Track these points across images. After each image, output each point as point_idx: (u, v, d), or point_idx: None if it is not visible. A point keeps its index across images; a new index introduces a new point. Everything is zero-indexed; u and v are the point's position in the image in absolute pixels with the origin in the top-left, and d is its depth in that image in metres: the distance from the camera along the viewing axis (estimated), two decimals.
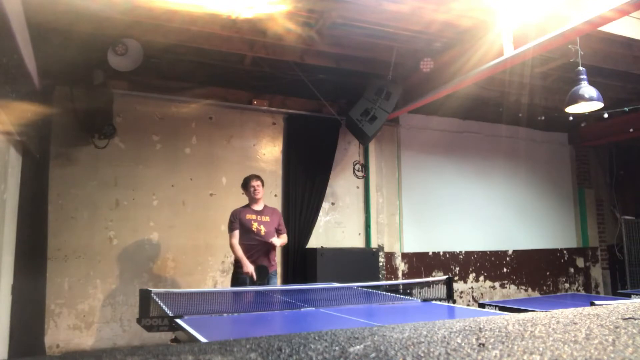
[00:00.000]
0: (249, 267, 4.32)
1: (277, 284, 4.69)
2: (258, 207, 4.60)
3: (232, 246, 4.46)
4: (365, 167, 6.39)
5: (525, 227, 7.63)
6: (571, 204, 8.13)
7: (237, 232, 4.46)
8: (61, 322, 4.89)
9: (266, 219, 4.54)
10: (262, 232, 4.45)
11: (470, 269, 7.10)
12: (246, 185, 4.63)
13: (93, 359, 0.41)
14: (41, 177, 4.70)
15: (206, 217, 5.55)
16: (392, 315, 2.99)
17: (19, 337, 3.90)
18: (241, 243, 4.47)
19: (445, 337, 0.46)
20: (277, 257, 5.46)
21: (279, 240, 4.56)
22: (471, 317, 0.58)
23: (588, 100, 4.20)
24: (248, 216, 4.50)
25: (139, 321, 2.65)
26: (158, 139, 5.50)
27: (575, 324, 0.53)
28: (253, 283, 4.30)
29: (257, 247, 4.45)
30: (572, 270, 7.94)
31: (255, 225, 4.45)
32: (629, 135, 7.12)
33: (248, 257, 4.39)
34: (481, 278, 7.16)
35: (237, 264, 4.47)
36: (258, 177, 4.67)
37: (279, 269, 5.77)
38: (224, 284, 5.42)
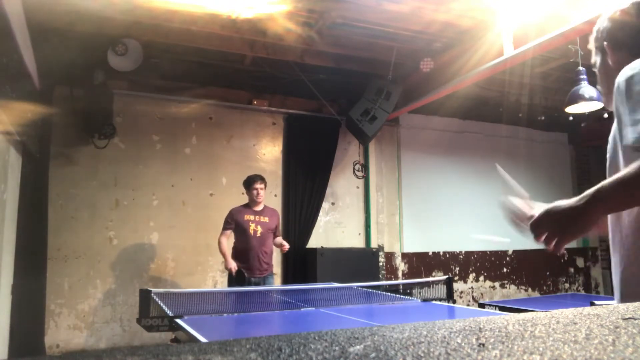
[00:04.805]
0: (231, 264, 4.31)
1: (273, 285, 4.67)
2: (258, 207, 4.56)
3: (219, 242, 4.45)
4: (365, 167, 6.39)
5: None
6: None
7: (228, 232, 4.46)
8: (61, 322, 4.89)
9: (265, 219, 4.51)
10: (258, 234, 4.41)
11: (470, 269, 7.10)
12: (249, 185, 4.54)
13: (93, 359, 0.41)
14: (41, 177, 4.70)
15: (206, 217, 5.55)
16: (392, 315, 2.99)
17: (19, 337, 3.91)
18: (236, 246, 4.46)
19: (445, 337, 0.46)
20: (277, 256, 5.48)
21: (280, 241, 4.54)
22: (471, 317, 0.58)
23: (588, 100, 4.20)
24: (246, 217, 4.45)
25: (139, 321, 2.66)
26: (158, 139, 5.50)
27: (575, 324, 0.53)
28: (243, 278, 4.29)
29: (252, 252, 4.39)
30: (572, 270, 7.94)
31: (252, 227, 4.41)
32: None
33: (244, 262, 4.36)
34: (481, 278, 7.16)
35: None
36: (262, 180, 4.56)
37: (279, 269, 5.78)
38: (224, 284, 5.41)
